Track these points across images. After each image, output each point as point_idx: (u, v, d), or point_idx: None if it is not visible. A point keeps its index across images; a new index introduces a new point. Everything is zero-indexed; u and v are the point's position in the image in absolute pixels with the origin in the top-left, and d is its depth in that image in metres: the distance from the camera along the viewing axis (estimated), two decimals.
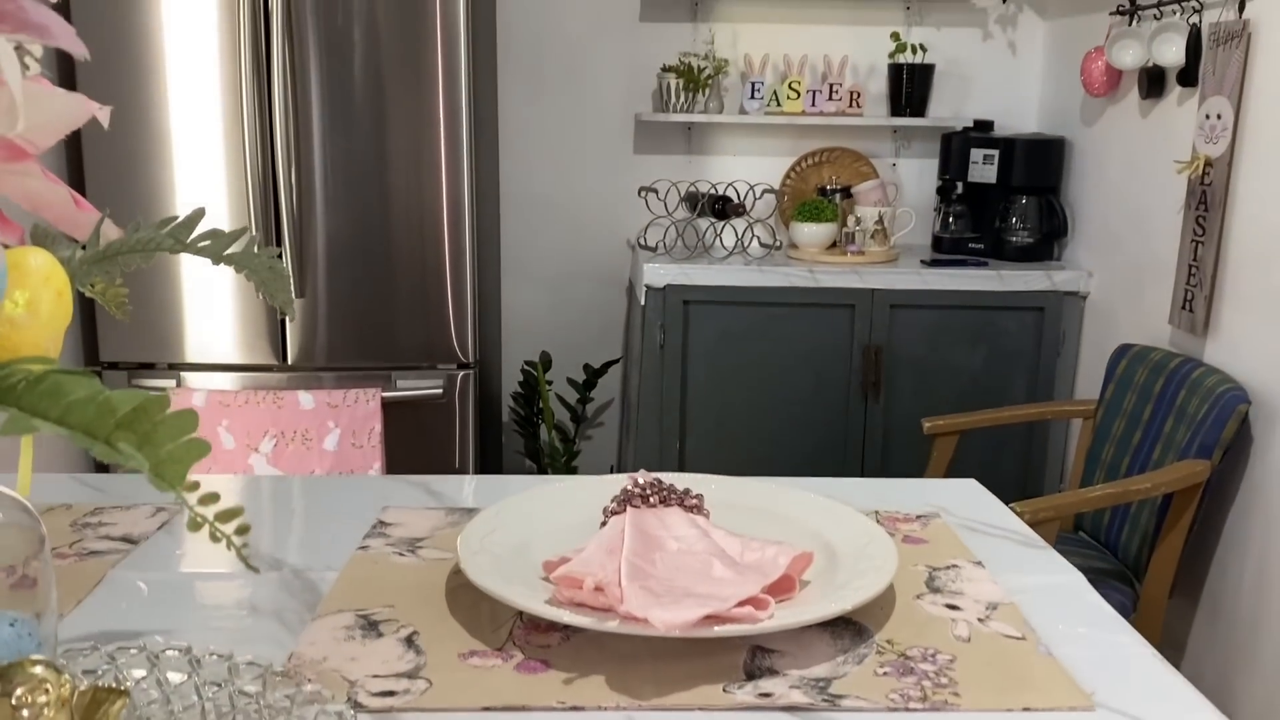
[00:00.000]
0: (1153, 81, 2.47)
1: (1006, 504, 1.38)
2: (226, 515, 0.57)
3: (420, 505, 1.29)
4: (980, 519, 1.29)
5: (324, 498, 1.34)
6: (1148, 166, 2.56)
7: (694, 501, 1.14)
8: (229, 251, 0.80)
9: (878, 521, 1.25)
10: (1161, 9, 2.45)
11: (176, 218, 0.80)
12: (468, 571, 0.98)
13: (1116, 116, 2.71)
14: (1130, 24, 2.60)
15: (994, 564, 1.15)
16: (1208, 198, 2.24)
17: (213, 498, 0.57)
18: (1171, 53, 2.36)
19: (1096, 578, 2.19)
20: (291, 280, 2.46)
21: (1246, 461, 2.13)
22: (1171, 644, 2.36)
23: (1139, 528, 2.22)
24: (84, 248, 0.78)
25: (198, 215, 0.80)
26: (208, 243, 0.80)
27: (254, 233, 2.39)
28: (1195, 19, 2.30)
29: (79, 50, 0.62)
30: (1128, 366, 2.44)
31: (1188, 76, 2.33)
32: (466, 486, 1.37)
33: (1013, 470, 2.92)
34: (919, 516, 1.29)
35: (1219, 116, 2.19)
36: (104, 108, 0.72)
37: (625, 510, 1.10)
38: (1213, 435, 2.07)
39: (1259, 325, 2.11)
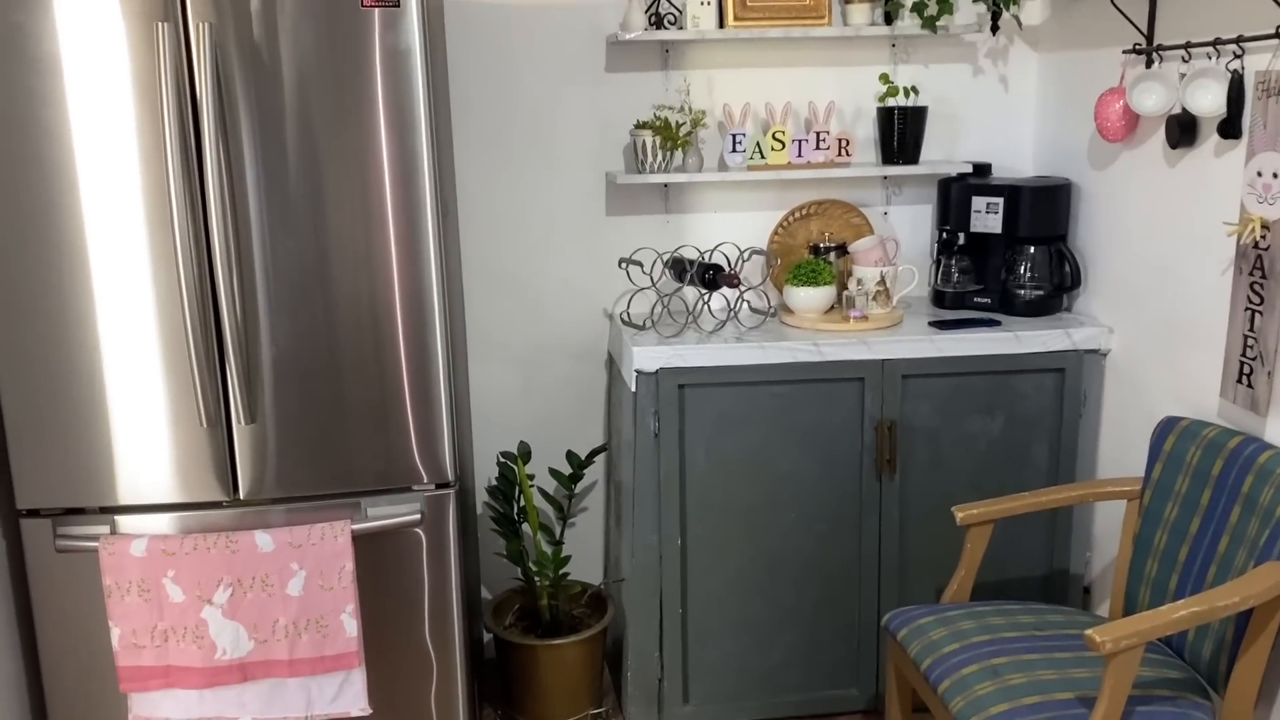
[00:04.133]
0: (1184, 130, 2.27)
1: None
2: None
3: None
4: None
5: None
6: (1177, 220, 2.36)
7: None
8: None
9: None
10: (1190, 51, 2.24)
11: None
12: None
13: (1135, 163, 2.50)
14: (1149, 65, 2.39)
15: None
16: (1264, 263, 2.04)
17: None
18: (1208, 101, 2.15)
19: (1174, 692, 1.99)
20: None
21: None
22: None
23: (1214, 634, 2.01)
24: None
25: None
26: None
27: (194, 350, 2.07)
28: (1237, 64, 2.09)
29: None
30: (1177, 443, 2.23)
31: (1229, 127, 2.13)
32: None
33: (1037, 541, 2.70)
34: None
35: (1275, 175, 1.98)
36: None
37: None
38: None
39: None
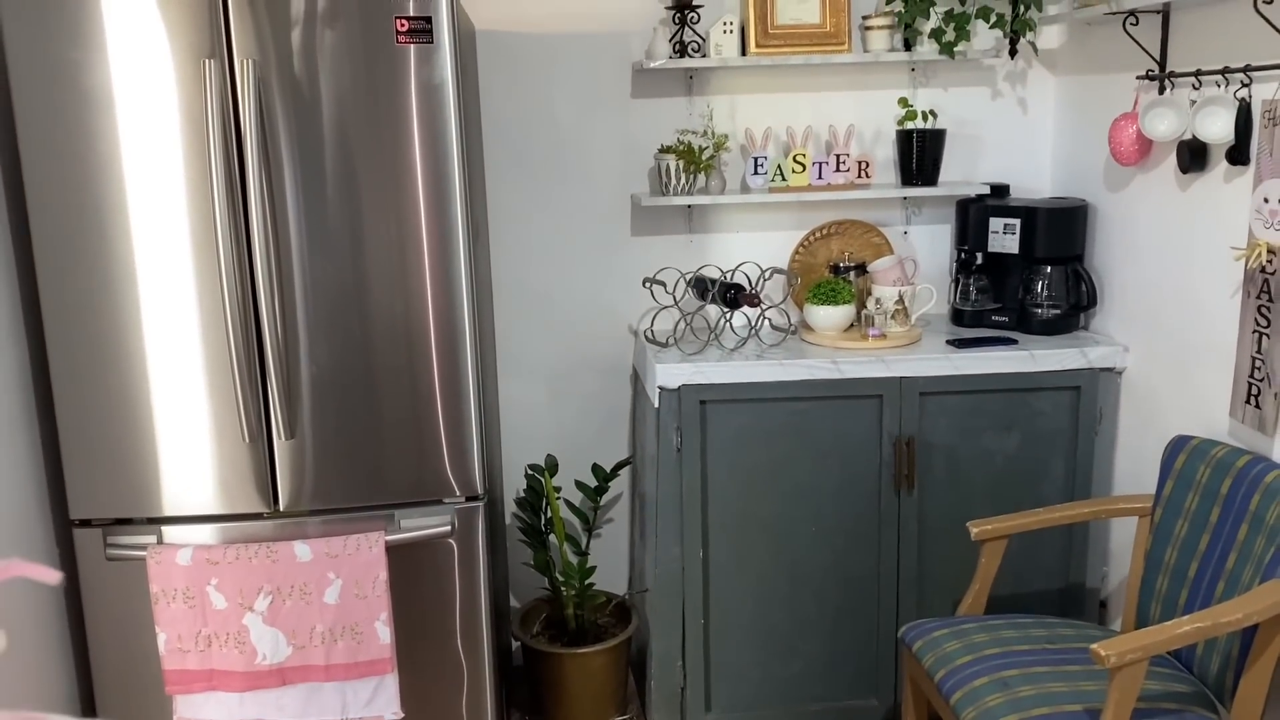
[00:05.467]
0: (1194, 155, 2.32)
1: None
2: None
3: None
4: None
5: None
6: (1189, 243, 2.41)
7: None
8: None
9: None
10: (1200, 78, 2.29)
11: None
12: None
13: (1149, 186, 2.56)
14: (1161, 91, 2.44)
15: None
16: (1271, 287, 2.09)
17: None
18: (1217, 128, 2.20)
19: (1181, 705, 2.04)
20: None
21: None
22: None
23: (1221, 649, 2.06)
24: None
25: None
26: None
27: (237, 369, 2.17)
28: (1244, 93, 2.15)
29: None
30: (1187, 462, 2.28)
31: (1237, 154, 2.18)
32: None
33: (1054, 554, 2.75)
34: None
35: None
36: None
37: None
38: None
39: None
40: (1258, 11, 2.02)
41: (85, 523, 2.27)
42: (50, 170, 2.10)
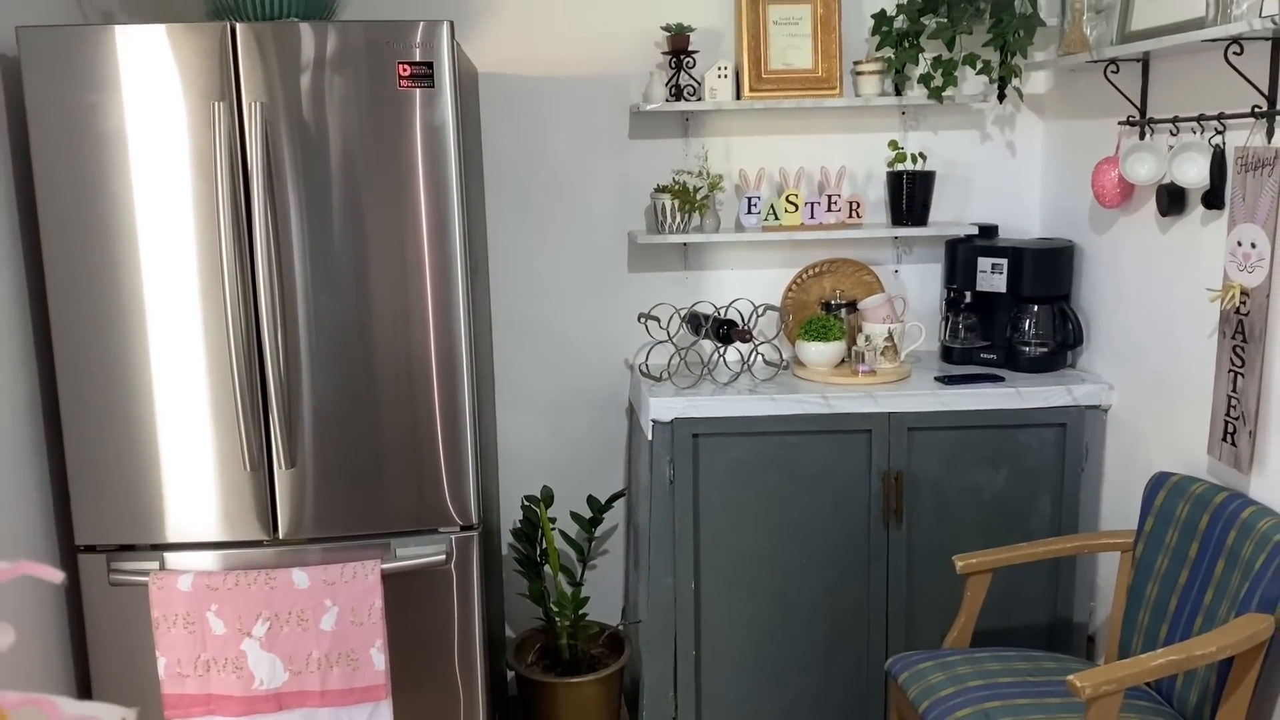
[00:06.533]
0: (1172, 199, 2.39)
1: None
2: None
3: None
4: None
5: None
6: (1170, 284, 2.47)
7: None
8: None
9: None
10: (1178, 125, 2.37)
11: None
12: None
13: (1131, 228, 2.62)
14: (1142, 137, 2.52)
15: None
16: (1245, 328, 2.15)
17: None
18: (1193, 173, 2.27)
19: None
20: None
21: None
22: None
23: (1199, 681, 2.10)
24: None
25: None
26: None
27: (240, 400, 2.24)
28: (1218, 140, 2.22)
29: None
30: (1167, 498, 2.33)
31: (1213, 198, 2.25)
32: None
33: (1041, 590, 2.79)
34: None
35: (1253, 245, 2.10)
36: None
37: None
38: (1275, 589, 1.96)
39: None
40: (1228, 62, 2.09)
41: (90, 548, 2.32)
42: (64, 206, 2.18)
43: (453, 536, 2.40)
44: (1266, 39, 2.04)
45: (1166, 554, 2.29)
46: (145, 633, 2.34)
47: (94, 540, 2.32)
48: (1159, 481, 2.36)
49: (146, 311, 2.24)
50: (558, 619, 2.87)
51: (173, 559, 2.33)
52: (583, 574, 2.97)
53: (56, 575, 0.60)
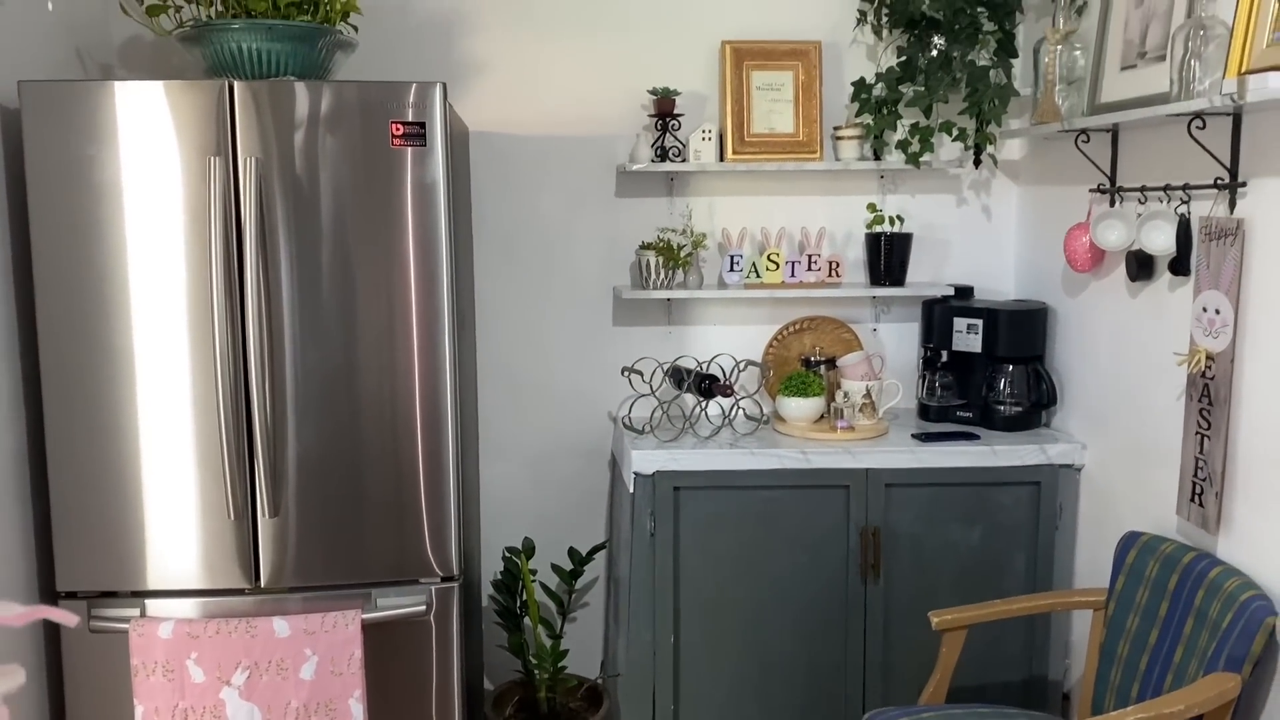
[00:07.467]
0: (1141, 265, 2.46)
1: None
2: None
3: None
4: None
5: None
6: (1139, 347, 2.54)
7: None
8: None
9: None
10: (1146, 194, 2.45)
11: None
12: None
13: (1102, 293, 2.70)
14: (1112, 204, 2.60)
15: None
16: (1211, 392, 2.21)
17: None
18: (1160, 241, 2.34)
19: None
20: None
21: (1274, 673, 2.05)
22: None
23: None
24: None
25: None
26: None
27: (226, 449, 2.26)
28: (1184, 209, 2.30)
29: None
30: (1138, 557, 2.37)
31: (1179, 265, 2.32)
32: None
33: (1017, 647, 2.82)
34: None
35: (1218, 311, 2.17)
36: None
37: None
38: (1241, 648, 2.00)
39: (1276, 527, 2.06)
40: (1191, 136, 2.17)
41: (71, 594, 2.33)
42: (58, 255, 2.22)
43: (433, 587, 2.41)
44: (1227, 114, 2.12)
45: (1137, 612, 2.33)
46: (124, 680, 2.34)
47: (75, 586, 2.33)
48: (1130, 540, 2.41)
49: (136, 360, 2.27)
50: (537, 671, 2.87)
51: (154, 605, 2.34)
52: (562, 626, 2.98)
53: (72, 619, 0.64)
